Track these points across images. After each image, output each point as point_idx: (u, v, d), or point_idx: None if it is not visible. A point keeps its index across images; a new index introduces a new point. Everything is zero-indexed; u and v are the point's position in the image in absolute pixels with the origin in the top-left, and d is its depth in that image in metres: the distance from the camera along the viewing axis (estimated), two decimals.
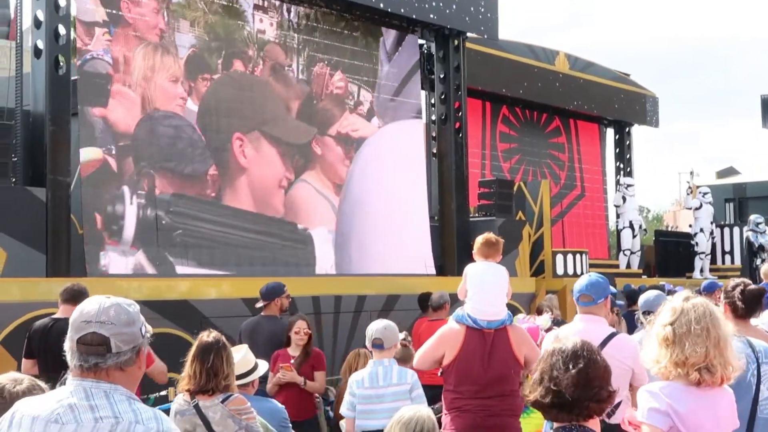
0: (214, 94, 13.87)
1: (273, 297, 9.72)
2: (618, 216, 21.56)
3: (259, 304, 9.82)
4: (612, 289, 7.45)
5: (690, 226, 24.16)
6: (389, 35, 16.58)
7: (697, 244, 22.48)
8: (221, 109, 13.88)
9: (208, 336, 5.74)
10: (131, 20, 13.01)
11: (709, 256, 22.64)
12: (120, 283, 11.26)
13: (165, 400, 8.06)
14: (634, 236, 20.91)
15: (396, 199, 16.20)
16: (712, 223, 23.36)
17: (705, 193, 22.76)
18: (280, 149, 14.61)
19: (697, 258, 22.42)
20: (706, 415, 3.93)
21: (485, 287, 6.70)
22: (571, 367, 3.58)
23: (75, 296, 8.15)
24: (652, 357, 3.80)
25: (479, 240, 7.01)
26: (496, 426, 6.45)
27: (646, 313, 7.38)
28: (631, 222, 20.81)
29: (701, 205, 22.73)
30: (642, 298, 8.46)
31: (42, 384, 5.84)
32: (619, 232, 21.16)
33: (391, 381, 6.98)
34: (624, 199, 20.88)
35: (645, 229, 21.51)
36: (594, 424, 3.59)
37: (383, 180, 16.06)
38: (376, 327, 7.16)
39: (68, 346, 3.07)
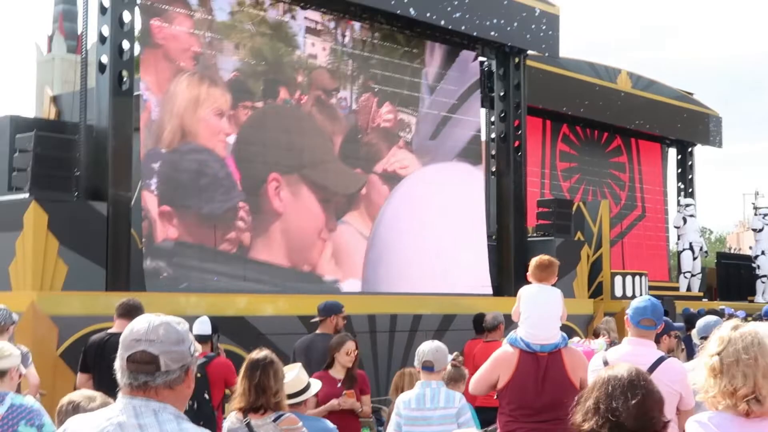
0: (252, 125, 13.64)
1: (330, 314, 9.69)
2: (678, 237, 21.26)
3: (315, 320, 9.79)
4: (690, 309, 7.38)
5: (750, 248, 23.81)
6: (434, 59, 16.45)
7: (759, 267, 22.10)
8: (258, 142, 13.64)
9: (257, 353, 5.76)
10: (162, 42, 12.91)
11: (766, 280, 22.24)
12: (179, 298, 11.34)
13: None
14: (694, 258, 20.62)
15: (453, 217, 16.14)
16: None
17: (766, 215, 22.38)
18: (320, 195, 14.42)
19: (758, 281, 22.04)
20: None
21: (538, 310, 6.65)
22: (630, 396, 3.53)
23: (130, 311, 8.16)
24: (701, 386, 3.72)
25: (533, 262, 6.96)
26: None
27: (704, 338, 7.25)
28: (691, 244, 20.53)
29: (763, 227, 22.35)
30: (699, 323, 8.33)
31: (96, 394, 5.89)
32: (679, 253, 20.87)
33: (438, 404, 6.90)
34: (684, 220, 20.60)
35: (706, 251, 21.19)
36: None
37: (437, 199, 16.00)
38: (428, 348, 7.10)
39: (118, 364, 3.08)
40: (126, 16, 12.04)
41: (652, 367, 5.88)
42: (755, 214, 22.75)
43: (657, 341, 6.55)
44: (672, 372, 5.94)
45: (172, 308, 9.95)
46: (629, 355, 5.84)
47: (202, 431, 3.02)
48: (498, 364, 6.65)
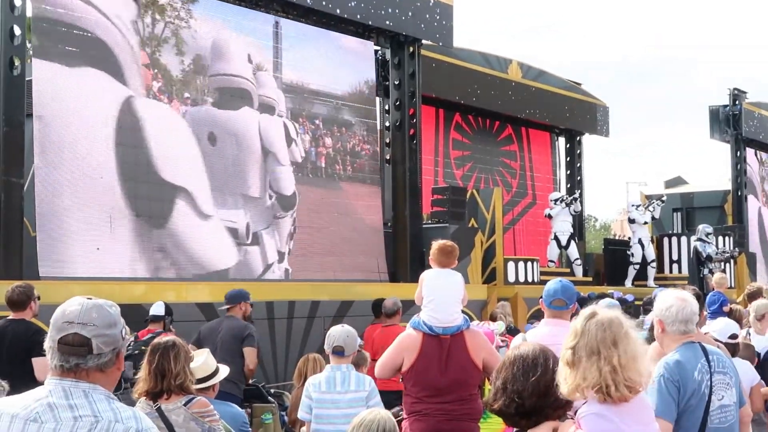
0: None
1: (238, 301, 9.92)
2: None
3: (224, 308, 9.98)
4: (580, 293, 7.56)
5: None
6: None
7: (632, 254, 22.68)
8: None
9: (160, 338, 5.79)
10: (54, 27, 12.85)
11: (655, 266, 22.81)
12: (73, 287, 11.18)
13: None
14: (561, 247, 20.98)
15: (348, 205, 16.27)
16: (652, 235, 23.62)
17: (637, 206, 22.95)
18: None
19: (630, 267, 22.62)
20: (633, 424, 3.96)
21: (440, 294, 6.79)
22: (531, 375, 3.65)
23: (17, 303, 8.19)
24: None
25: (434, 247, 7.09)
26: (455, 430, 6.55)
27: None
28: (555, 234, 20.91)
29: (634, 219, 22.92)
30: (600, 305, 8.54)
31: (2, 382, 5.83)
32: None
33: (348, 387, 7.02)
34: (549, 216, 20.96)
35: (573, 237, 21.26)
36: (547, 427, 3.67)
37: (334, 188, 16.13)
38: (338, 333, 7.19)
39: (48, 345, 3.08)
40: (17, 1, 11.80)
41: None
42: (634, 207, 23.16)
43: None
44: None
45: (66, 296, 9.82)
46: (548, 335, 6.04)
47: (132, 410, 3.06)
48: (402, 347, 6.78)
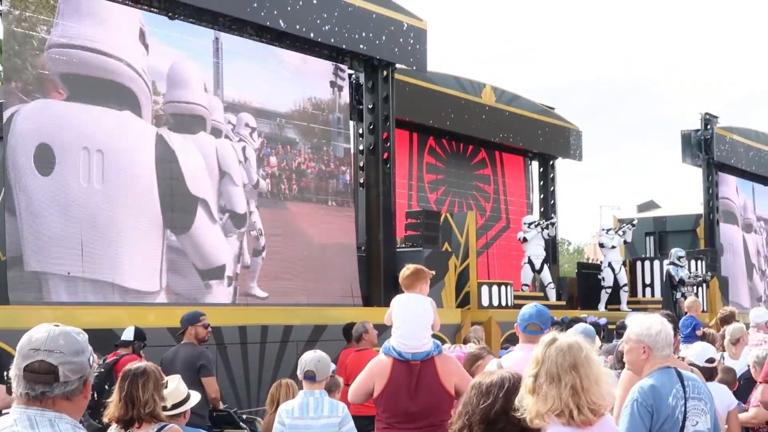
0: None
1: (186, 325, 9.83)
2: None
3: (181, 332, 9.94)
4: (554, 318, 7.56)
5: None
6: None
7: (603, 278, 22.72)
8: None
9: (132, 364, 5.72)
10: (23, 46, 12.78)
11: (627, 290, 22.84)
12: (44, 311, 11.07)
13: None
14: (535, 271, 21.04)
15: (322, 230, 16.23)
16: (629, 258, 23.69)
17: (608, 230, 23.02)
18: None
19: (603, 291, 22.65)
20: None
21: (408, 319, 6.71)
22: (481, 402, 3.67)
23: None
24: (523, 404, 3.83)
25: (403, 271, 7.05)
26: None
27: None
28: (529, 257, 20.95)
29: (604, 244, 23.01)
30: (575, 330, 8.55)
31: None
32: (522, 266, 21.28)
33: (321, 413, 6.98)
34: (525, 239, 20.97)
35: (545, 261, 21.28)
36: None
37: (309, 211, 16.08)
38: (310, 358, 7.15)
39: (14, 373, 3.02)
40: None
41: None
42: (604, 231, 23.22)
43: None
44: None
45: (35, 322, 9.72)
46: (523, 360, 5.98)
47: None
48: (373, 373, 6.71)
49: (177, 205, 14.01)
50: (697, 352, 7.82)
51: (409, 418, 6.50)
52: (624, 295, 22.66)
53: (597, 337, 9.26)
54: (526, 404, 3.71)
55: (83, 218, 12.75)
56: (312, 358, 7.13)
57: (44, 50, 12.60)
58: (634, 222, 24.14)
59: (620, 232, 22.71)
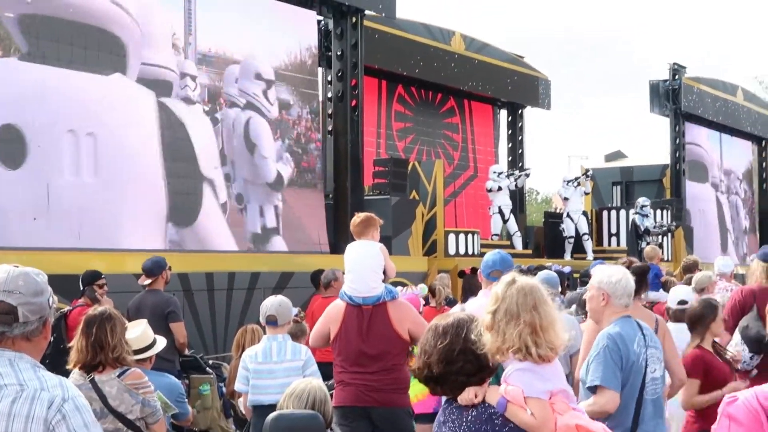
0: None
1: (159, 272, 9.68)
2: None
3: (147, 281, 9.66)
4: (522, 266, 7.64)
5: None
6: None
7: (564, 229, 22.82)
8: None
9: (94, 309, 5.71)
10: None
11: (589, 239, 22.95)
12: (7, 256, 10.99)
13: None
14: (504, 221, 21.12)
15: (289, 175, 16.20)
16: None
17: (568, 181, 23.07)
18: None
19: (566, 242, 22.76)
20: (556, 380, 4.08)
21: (356, 264, 6.88)
22: (438, 343, 3.73)
23: None
24: (482, 339, 3.92)
25: (353, 219, 7.23)
26: (376, 400, 6.64)
27: None
28: (500, 207, 21.01)
29: (565, 195, 23.13)
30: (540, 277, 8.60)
31: None
32: (490, 216, 21.32)
33: (285, 357, 7.03)
34: (500, 188, 20.96)
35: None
36: (469, 392, 3.72)
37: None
38: (270, 303, 7.20)
39: None
40: None
41: None
42: (565, 183, 23.26)
43: None
44: None
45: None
46: (485, 306, 6.07)
47: (58, 378, 3.01)
48: (328, 317, 6.92)
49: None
50: (671, 295, 8.19)
51: (361, 361, 6.67)
52: (588, 244, 22.78)
53: (560, 285, 9.34)
54: (485, 341, 3.77)
55: (71, 221, 12.20)
56: (273, 302, 7.17)
57: None
58: (589, 173, 24.29)
59: (574, 184, 22.74)
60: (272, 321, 7.11)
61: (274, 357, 7.00)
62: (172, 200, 13.86)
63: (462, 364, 3.72)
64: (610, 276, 5.37)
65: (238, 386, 7.19)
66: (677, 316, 7.93)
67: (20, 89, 11.87)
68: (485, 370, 3.78)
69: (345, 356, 6.73)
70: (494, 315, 3.90)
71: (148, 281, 9.62)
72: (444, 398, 3.85)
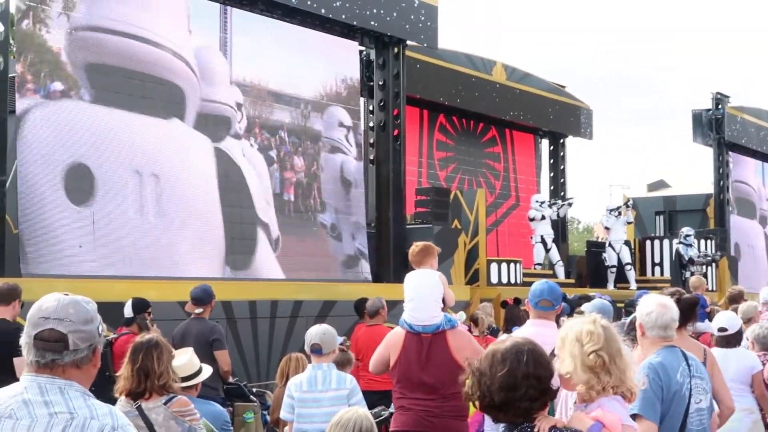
0: None
1: (209, 300, 9.69)
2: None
3: (197, 310, 9.65)
4: (567, 296, 7.66)
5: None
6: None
7: (606, 258, 22.63)
8: None
9: (142, 337, 5.75)
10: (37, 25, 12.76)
11: (632, 269, 22.74)
12: (57, 284, 11.10)
13: None
14: (547, 250, 21.03)
15: (334, 206, 16.29)
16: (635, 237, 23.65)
17: (611, 210, 22.91)
18: None
19: (608, 271, 22.56)
20: None
21: (416, 293, 6.89)
22: (498, 370, 3.68)
23: (3, 297, 8.14)
24: (582, 381, 4.04)
25: (411, 249, 7.24)
26: (435, 426, 6.64)
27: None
28: (542, 237, 20.91)
29: (607, 224, 22.98)
30: (592, 306, 8.58)
31: None
32: (532, 246, 21.22)
33: (330, 386, 7.05)
34: (543, 217, 20.87)
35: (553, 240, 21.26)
36: (543, 418, 3.69)
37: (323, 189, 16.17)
38: (315, 331, 7.22)
39: (24, 341, 3.06)
40: None
41: None
42: (608, 212, 23.11)
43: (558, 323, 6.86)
44: None
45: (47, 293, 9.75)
46: (534, 336, 6.07)
47: (108, 407, 3.03)
48: (389, 344, 6.95)
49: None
50: (713, 322, 8.29)
51: (420, 388, 6.69)
52: (630, 274, 22.58)
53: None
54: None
55: (132, 256, 12.70)
56: (318, 331, 7.18)
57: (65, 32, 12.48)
58: (629, 203, 24.14)
59: (615, 213, 22.58)
60: (317, 349, 7.12)
61: (319, 386, 7.01)
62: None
63: (525, 390, 3.66)
64: (644, 307, 5.43)
65: (283, 415, 7.20)
66: (717, 342, 7.98)
67: (88, 130, 12.56)
68: (548, 394, 3.74)
69: (405, 383, 6.77)
70: (596, 355, 4.02)
71: (199, 310, 9.63)
72: (502, 425, 3.80)
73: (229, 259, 14.21)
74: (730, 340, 8.01)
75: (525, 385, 3.65)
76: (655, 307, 5.38)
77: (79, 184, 12.36)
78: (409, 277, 7.05)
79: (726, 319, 8.34)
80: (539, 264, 21.03)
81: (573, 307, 9.58)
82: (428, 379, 6.65)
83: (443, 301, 6.91)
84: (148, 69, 13.37)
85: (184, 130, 13.88)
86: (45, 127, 12.17)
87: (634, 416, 5.07)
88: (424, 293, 6.85)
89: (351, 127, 16.89)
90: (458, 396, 6.67)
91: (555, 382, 3.79)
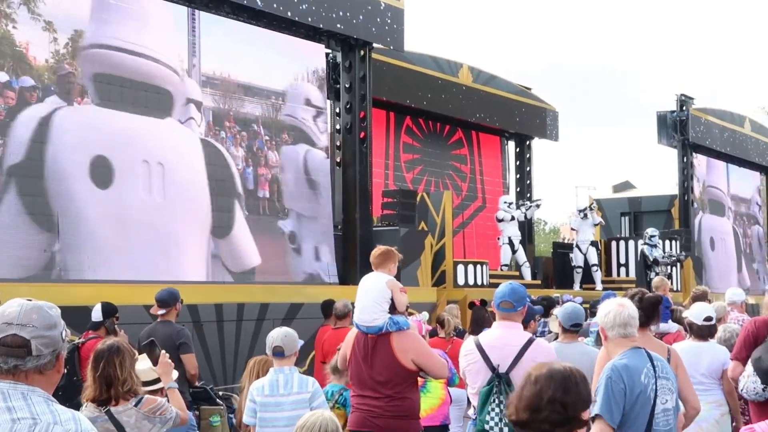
0: None
1: (174, 303, 9.66)
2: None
3: (161, 311, 9.62)
4: (531, 297, 7.71)
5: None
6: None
7: (572, 258, 22.75)
8: None
9: (103, 343, 5.70)
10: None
11: (598, 270, 22.88)
12: (19, 288, 11.04)
13: None
14: (514, 251, 21.11)
15: (299, 208, 16.26)
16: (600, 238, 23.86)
17: (580, 210, 23.07)
18: None
19: (574, 271, 22.68)
20: None
21: (363, 295, 7.00)
22: (527, 391, 3.87)
23: None
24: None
25: (374, 251, 7.39)
26: (378, 426, 6.74)
27: (575, 325, 7.52)
28: (510, 238, 20.99)
29: (576, 226, 23.14)
30: (564, 310, 8.60)
31: None
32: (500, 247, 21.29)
33: (291, 389, 7.03)
34: (512, 217, 20.93)
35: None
36: None
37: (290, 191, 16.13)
38: (277, 334, 7.21)
39: None
40: None
41: (523, 348, 6.18)
42: (578, 212, 23.23)
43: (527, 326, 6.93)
44: (543, 351, 6.28)
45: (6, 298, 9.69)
46: (500, 338, 6.23)
47: (72, 412, 3.02)
48: (347, 342, 7.15)
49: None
50: (695, 311, 8.16)
51: (367, 386, 6.84)
52: (597, 275, 22.73)
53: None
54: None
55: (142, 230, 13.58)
56: (279, 334, 7.17)
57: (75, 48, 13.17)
58: (593, 205, 24.31)
59: (581, 215, 22.72)
60: (279, 352, 7.09)
61: (281, 389, 7.00)
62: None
63: (548, 413, 3.80)
64: (603, 310, 5.54)
65: (246, 419, 7.15)
66: (697, 333, 8.00)
67: (100, 128, 13.35)
68: (573, 422, 3.84)
69: (356, 380, 6.94)
70: None
71: (162, 312, 9.60)
72: None
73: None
74: (712, 331, 8.12)
75: (548, 409, 3.81)
76: (613, 307, 5.47)
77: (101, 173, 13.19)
78: (363, 279, 7.20)
79: (711, 309, 8.43)
80: (506, 265, 21.10)
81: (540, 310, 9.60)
82: (373, 378, 6.79)
83: (393, 305, 6.95)
84: (141, 78, 14.04)
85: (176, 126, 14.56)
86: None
87: (593, 417, 5.13)
88: (369, 296, 6.94)
89: (320, 111, 16.94)
90: (403, 396, 6.80)
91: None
